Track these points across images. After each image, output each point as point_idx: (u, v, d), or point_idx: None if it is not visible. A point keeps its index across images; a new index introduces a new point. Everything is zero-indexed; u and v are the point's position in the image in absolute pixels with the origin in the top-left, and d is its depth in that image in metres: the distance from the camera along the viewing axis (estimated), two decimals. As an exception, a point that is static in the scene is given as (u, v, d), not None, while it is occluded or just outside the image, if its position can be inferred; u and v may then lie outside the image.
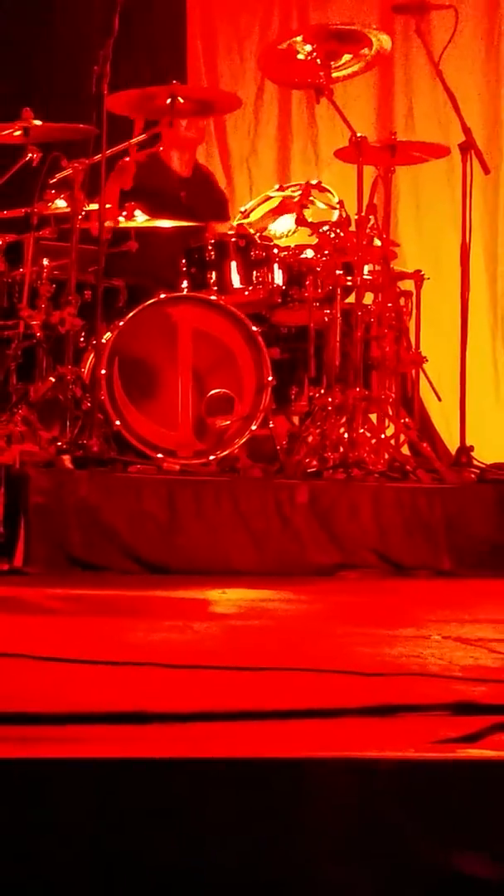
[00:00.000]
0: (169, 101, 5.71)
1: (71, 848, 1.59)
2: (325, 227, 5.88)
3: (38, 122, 5.65)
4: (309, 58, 5.90)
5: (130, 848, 1.58)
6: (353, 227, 5.85)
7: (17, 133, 5.68)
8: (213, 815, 1.58)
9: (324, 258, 5.83)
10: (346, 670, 2.50)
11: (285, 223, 6.03)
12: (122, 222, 5.74)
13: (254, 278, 5.79)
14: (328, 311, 5.82)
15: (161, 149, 6.28)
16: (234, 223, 6.14)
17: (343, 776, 1.59)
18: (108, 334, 5.39)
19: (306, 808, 1.58)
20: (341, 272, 5.83)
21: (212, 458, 5.42)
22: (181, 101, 5.73)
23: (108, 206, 5.50)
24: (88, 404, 5.36)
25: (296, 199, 5.99)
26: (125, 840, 1.59)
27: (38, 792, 1.59)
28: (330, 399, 5.68)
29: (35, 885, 1.57)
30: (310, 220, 5.95)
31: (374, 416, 5.80)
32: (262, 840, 1.60)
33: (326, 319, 5.83)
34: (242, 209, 6.20)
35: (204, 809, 1.60)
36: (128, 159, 5.84)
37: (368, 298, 5.94)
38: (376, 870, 1.58)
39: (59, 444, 5.24)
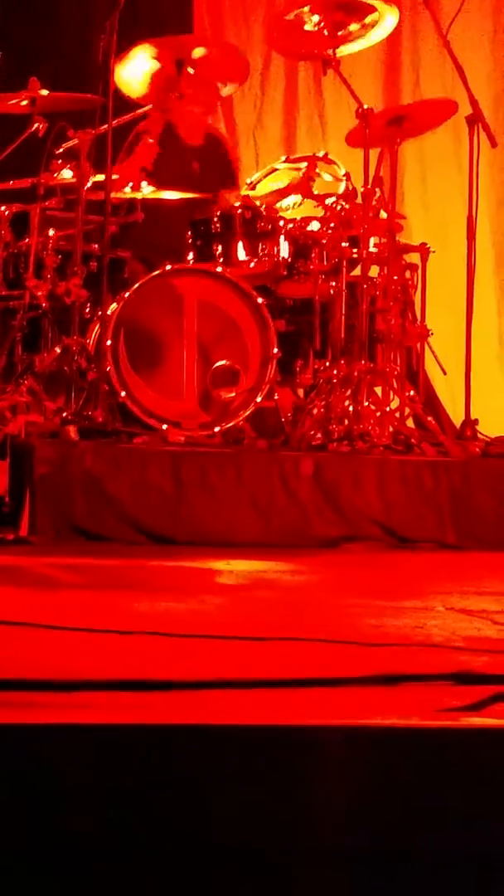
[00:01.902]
0: (177, 65, 5.70)
1: (77, 813, 1.60)
2: (331, 200, 5.86)
3: (44, 92, 5.63)
4: (316, 28, 5.88)
5: (136, 814, 1.59)
6: (359, 200, 5.83)
7: (24, 103, 5.66)
8: (217, 781, 1.60)
9: (329, 231, 5.82)
10: (350, 641, 2.52)
11: (291, 196, 6.02)
12: (129, 193, 5.73)
13: (259, 250, 5.78)
14: (334, 284, 5.82)
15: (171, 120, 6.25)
16: (241, 195, 6.12)
17: (347, 744, 1.60)
18: (114, 305, 5.39)
19: (311, 775, 1.59)
20: (347, 245, 5.82)
21: (217, 429, 5.43)
22: (190, 70, 5.72)
23: (116, 177, 5.49)
24: (94, 375, 5.36)
25: (301, 176, 5.96)
26: (130, 806, 1.60)
27: (45, 758, 1.60)
28: (335, 372, 5.68)
29: (39, 851, 1.59)
30: (316, 192, 5.94)
31: (378, 389, 5.79)
32: (267, 807, 1.61)
33: (332, 292, 5.82)
34: (249, 181, 6.18)
35: (209, 776, 1.61)
36: (151, 141, 5.83)
37: (374, 271, 5.93)
38: (380, 837, 1.59)
39: (65, 414, 5.24)
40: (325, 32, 5.88)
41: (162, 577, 4.05)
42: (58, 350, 5.46)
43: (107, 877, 1.60)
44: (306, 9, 5.91)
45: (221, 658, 2.37)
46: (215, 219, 5.79)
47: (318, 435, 5.53)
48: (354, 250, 5.82)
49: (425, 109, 6.19)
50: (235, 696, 1.92)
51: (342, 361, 5.71)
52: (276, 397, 5.65)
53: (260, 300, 5.56)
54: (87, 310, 5.60)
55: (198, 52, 5.96)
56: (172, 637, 2.53)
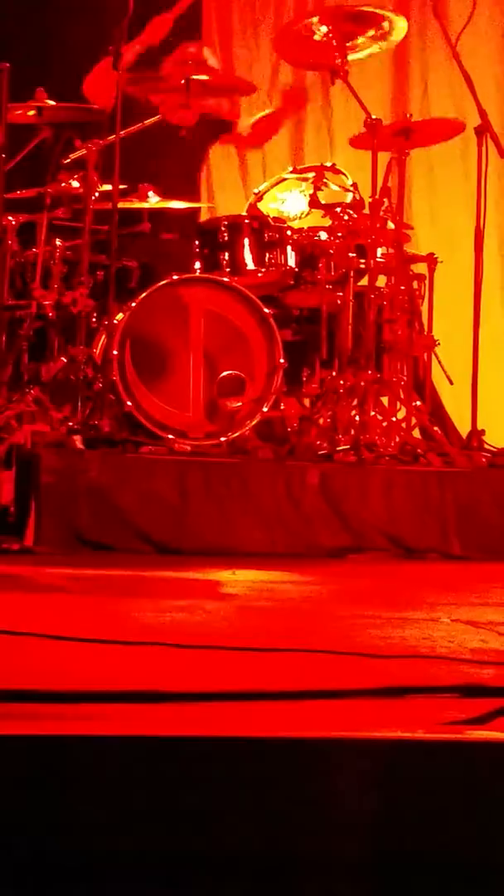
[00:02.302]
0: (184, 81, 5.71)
1: (82, 825, 1.60)
2: (339, 208, 5.86)
3: (51, 103, 5.64)
4: (325, 39, 5.89)
5: (142, 826, 1.59)
6: (366, 210, 5.84)
7: (31, 113, 5.67)
8: (223, 793, 1.59)
9: (337, 240, 5.83)
10: (355, 652, 2.51)
11: (298, 205, 6.02)
12: (135, 203, 5.74)
13: (266, 260, 5.79)
14: (341, 294, 5.82)
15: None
16: (247, 204, 6.13)
17: (353, 756, 1.59)
18: (121, 315, 5.39)
19: (315, 787, 1.59)
20: (354, 255, 5.82)
21: (223, 439, 5.42)
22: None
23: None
24: (100, 385, 5.36)
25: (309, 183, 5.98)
26: (136, 818, 1.60)
27: (48, 770, 1.60)
28: (342, 382, 5.68)
29: (42, 863, 1.58)
30: (323, 202, 5.94)
31: (385, 399, 5.79)
32: (271, 820, 1.60)
33: (339, 302, 5.82)
34: (256, 191, 6.18)
35: (214, 788, 1.61)
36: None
37: (381, 281, 5.93)
38: (386, 848, 1.59)
39: (71, 424, 5.24)
40: (334, 42, 5.89)
41: (167, 588, 4.05)
42: (64, 360, 5.47)
43: (112, 888, 1.59)
44: (315, 19, 5.92)
45: (227, 669, 2.37)
46: (223, 228, 5.79)
47: (325, 445, 5.53)
48: (362, 260, 5.82)
49: (433, 125, 6.20)
50: (241, 708, 1.92)
51: (349, 371, 5.71)
52: (282, 407, 5.65)
53: (266, 310, 5.56)
54: (94, 319, 5.61)
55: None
56: (178, 648, 2.52)
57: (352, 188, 5.98)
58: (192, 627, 3.00)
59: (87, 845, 1.59)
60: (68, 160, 5.66)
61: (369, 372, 5.68)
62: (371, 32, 5.92)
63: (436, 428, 5.91)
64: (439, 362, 6.04)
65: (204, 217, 6.43)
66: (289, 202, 6.06)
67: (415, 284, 6.02)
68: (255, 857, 1.60)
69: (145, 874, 1.59)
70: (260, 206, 6.01)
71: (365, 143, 5.87)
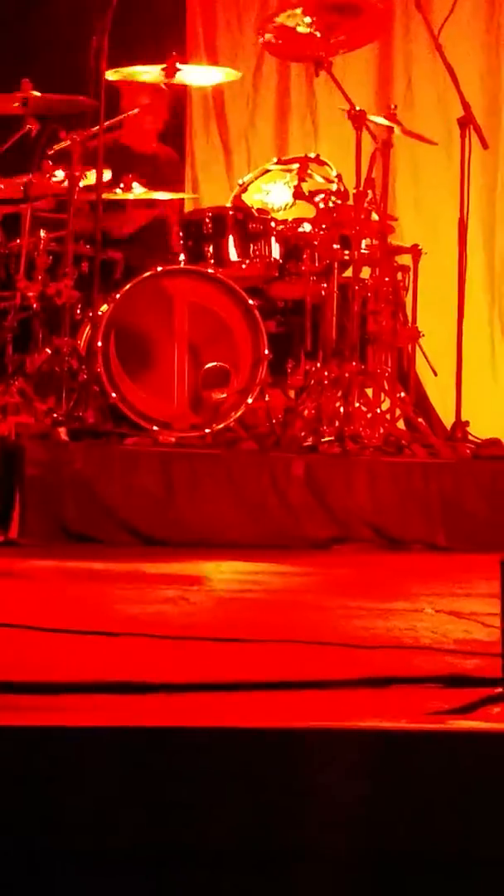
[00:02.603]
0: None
1: (66, 816, 1.60)
2: (321, 196, 5.86)
3: (37, 94, 5.62)
4: (308, 30, 5.89)
5: (126, 816, 1.59)
6: (350, 201, 5.84)
7: (16, 104, 5.65)
8: (207, 783, 1.60)
9: (321, 232, 5.82)
10: (340, 643, 2.52)
11: (283, 196, 6.02)
12: (120, 195, 5.73)
13: (251, 252, 5.79)
14: (325, 285, 5.81)
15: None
16: (232, 195, 6.12)
17: (337, 746, 1.60)
18: (105, 307, 5.39)
19: (300, 777, 1.59)
20: (339, 246, 5.82)
21: (207, 431, 5.42)
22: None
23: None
24: (84, 376, 5.36)
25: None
26: (120, 809, 1.60)
27: (32, 760, 1.60)
28: (326, 373, 5.68)
29: (29, 853, 1.59)
30: (308, 193, 5.94)
31: (370, 391, 5.80)
32: (256, 810, 1.61)
33: (323, 293, 5.82)
34: (240, 182, 6.17)
35: (198, 778, 1.61)
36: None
37: (366, 273, 5.93)
38: (368, 838, 1.59)
39: (55, 416, 5.24)
40: (318, 34, 5.88)
41: (153, 579, 4.05)
42: (48, 351, 5.46)
43: (98, 881, 1.60)
44: (299, 10, 5.92)
45: (212, 660, 2.37)
46: (207, 219, 5.79)
47: (309, 436, 5.53)
48: (346, 252, 5.82)
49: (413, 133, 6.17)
50: (226, 699, 1.92)
51: (333, 363, 5.71)
52: (266, 399, 5.65)
53: (251, 301, 5.55)
54: (78, 311, 5.60)
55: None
56: (163, 639, 2.53)
57: (336, 179, 5.98)
58: (178, 619, 3.00)
59: (73, 837, 1.59)
60: (52, 151, 5.65)
61: (354, 363, 5.68)
62: (355, 24, 5.91)
63: (420, 419, 5.91)
64: (423, 354, 6.04)
65: (188, 208, 6.42)
66: (273, 193, 6.05)
67: (399, 276, 6.01)
68: (241, 847, 1.60)
69: (132, 866, 1.60)
70: (244, 197, 6.00)
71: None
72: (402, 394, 5.91)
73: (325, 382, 5.65)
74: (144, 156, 6.30)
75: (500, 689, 1.87)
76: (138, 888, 1.59)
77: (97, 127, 5.48)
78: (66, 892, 1.59)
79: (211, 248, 5.76)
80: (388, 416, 5.78)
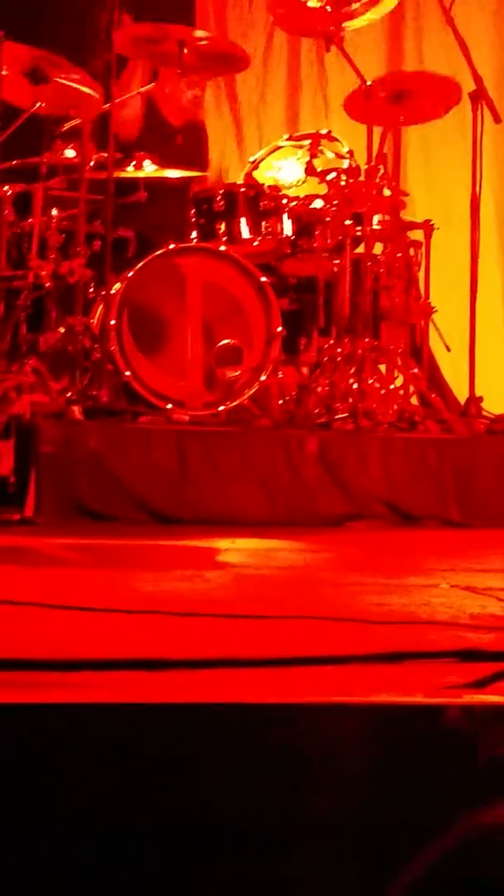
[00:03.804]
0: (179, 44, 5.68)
1: (81, 792, 1.60)
2: (332, 175, 5.84)
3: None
4: (319, 4, 5.86)
5: (140, 792, 1.60)
6: (362, 177, 5.82)
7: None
8: (222, 759, 1.60)
9: (333, 208, 5.81)
10: (355, 618, 2.52)
11: (294, 173, 6.00)
12: (131, 172, 5.72)
13: (263, 229, 5.78)
14: (337, 262, 5.81)
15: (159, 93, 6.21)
16: (243, 172, 6.11)
17: (353, 721, 1.60)
18: (118, 285, 5.39)
19: (316, 752, 1.60)
20: (351, 222, 5.81)
21: (221, 408, 5.42)
22: (187, 51, 5.69)
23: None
24: (98, 355, 5.36)
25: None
26: (134, 785, 1.61)
27: (50, 737, 1.60)
28: (339, 350, 5.68)
29: (42, 831, 1.59)
30: (319, 169, 5.92)
31: (383, 367, 5.79)
32: (272, 786, 1.61)
33: (336, 270, 5.82)
34: (251, 159, 6.16)
35: (213, 754, 1.62)
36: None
37: (378, 249, 5.92)
38: (384, 812, 1.60)
39: (69, 394, 5.24)
40: (328, 8, 5.86)
41: (167, 556, 4.06)
42: (62, 330, 5.46)
43: (108, 856, 1.60)
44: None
45: (226, 637, 2.38)
46: (218, 197, 5.78)
47: (323, 413, 5.53)
48: (358, 228, 5.81)
49: (428, 87, 6.12)
50: (241, 675, 1.93)
51: (346, 339, 5.70)
52: (280, 376, 5.65)
53: (263, 278, 5.55)
54: (91, 289, 5.60)
55: (200, 34, 5.93)
56: (177, 616, 2.54)
57: (347, 155, 5.96)
58: (192, 596, 3.01)
59: (85, 811, 1.60)
60: (64, 129, 5.64)
61: (367, 340, 5.68)
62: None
63: (434, 395, 5.91)
64: (437, 329, 6.03)
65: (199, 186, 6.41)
66: (285, 170, 6.04)
67: (411, 251, 6.00)
68: (253, 823, 1.61)
69: (144, 842, 1.60)
70: (256, 174, 5.99)
71: (358, 110, 5.84)
72: (416, 370, 5.90)
73: (339, 359, 5.65)
74: (173, 126, 6.26)
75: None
76: (146, 865, 1.60)
77: (108, 104, 5.46)
78: (76, 868, 1.59)
79: (223, 226, 5.75)
80: (401, 393, 5.78)
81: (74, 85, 5.51)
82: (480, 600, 2.91)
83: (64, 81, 5.51)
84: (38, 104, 5.57)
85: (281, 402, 5.63)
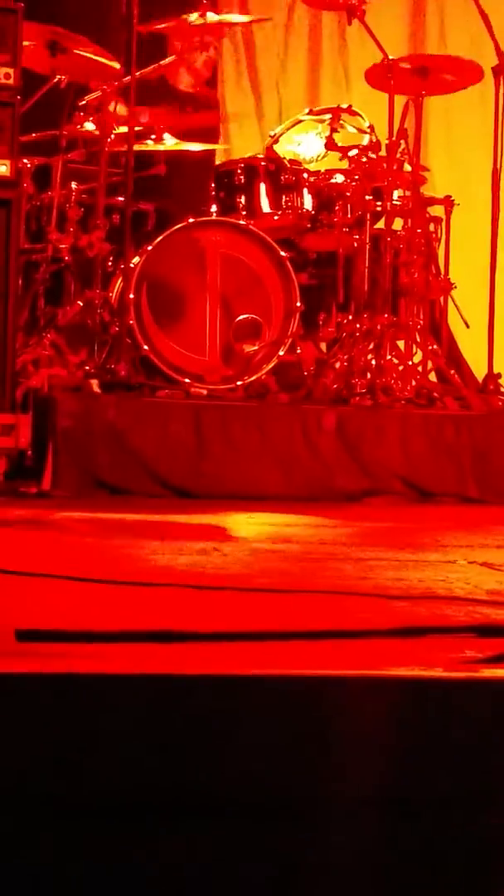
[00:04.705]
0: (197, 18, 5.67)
1: (108, 763, 1.61)
2: (355, 151, 5.83)
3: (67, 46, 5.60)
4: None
5: (166, 764, 1.60)
6: (383, 152, 5.80)
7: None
8: (243, 731, 1.60)
9: (353, 183, 5.80)
10: (373, 593, 2.52)
11: (315, 147, 5.99)
12: (151, 145, 5.71)
13: (283, 203, 5.76)
14: (357, 237, 5.80)
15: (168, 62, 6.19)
16: (264, 146, 6.10)
17: (372, 693, 1.61)
18: (137, 258, 5.38)
19: (337, 724, 1.60)
20: (371, 197, 5.79)
21: (239, 383, 5.43)
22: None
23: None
24: (116, 329, 5.36)
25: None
26: (159, 757, 1.61)
27: (68, 706, 1.61)
28: (358, 325, 5.67)
29: (69, 801, 1.60)
30: (340, 144, 5.90)
31: (401, 343, 5.78)
32: (290, 760, 1.62)
33: (355, 245, 5.80)
34: (272, 133, 6.15)
35: (233, 726, 1.62)
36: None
37: (398, 224, 5.91)
38: (404, 785, 1.60)
39: (87, 368, 5.25)
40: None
41: (183, 530, 4.06)
42: (80, 303, 5.46)
43: (136, 828, 1.61)
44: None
45: (244, 610, 2.38)
46: (239, 171, 5.76)
47: (341, 389, 5.53)
48: (378, 203, 5.79)
49: (450, 67, 6.10)
50: (259, 648, 1.93)
51: (365, 315, 5.70)
52: (298, 351, 5.64)
53: (283, 253, 5.54)
54: (110, 263, 5.59)
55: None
56: (195, 589, 2.54)
57: (368, 130, 5.94)
58: (209, 569, 3.01)
59: (103, 783, 1.60)
60: (83, 102, 5.62)
61: (386, 315, 5.67)
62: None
63: (452, 371, 5.90)
64: (455, 305, 6.02)
65: (220, 160, 6.40)
66: (305, 144, 6.03)
67: (431, 227, 5.99)
68: (270, 794, 1.61)
69: (162, 813, 1.61)
70: (276, 148, 5.98)
71: (380, 81, 5.82)
72: (434, 346, 5.90)
73: (357, 335, 5.64)
74: (187, 94, 6.25)
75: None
76: (166, 837, 1.60)
77: (128, 77, 5.45)
78: (100, 839, 1.60)
79: (243, 200, 5.74)
80: (419, 369, 5.77)
81: (93, 56, 5.50)
82: (498, 576, 2.91)
83: (83, 53, 5.50)
84: (57, 77, 5.56)
85: (299, 377, 5.62)
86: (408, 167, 5.86)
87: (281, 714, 1.62)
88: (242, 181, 5.75)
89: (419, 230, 5.86)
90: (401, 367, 5.65)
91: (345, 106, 6.09)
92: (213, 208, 5.75)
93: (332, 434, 5.24)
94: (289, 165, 5.79)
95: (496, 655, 1.76)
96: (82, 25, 6.12)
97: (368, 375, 5.56)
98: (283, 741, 1.62)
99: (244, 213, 5.70)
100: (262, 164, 5.79)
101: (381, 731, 1.59)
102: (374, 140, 5.89)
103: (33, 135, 5.69)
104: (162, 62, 5.98)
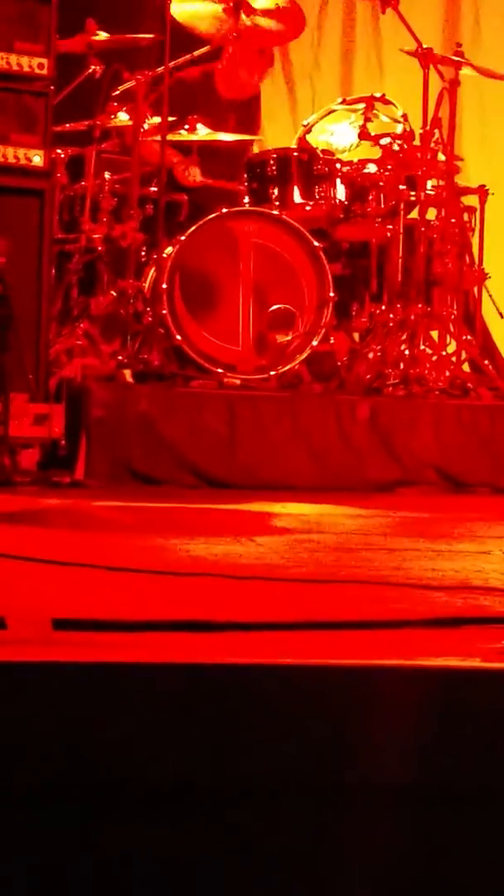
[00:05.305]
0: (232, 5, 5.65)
1: (132, 750, 1.61)
2: (387, 140, 5.80)
3: (102, 34, 5.60)
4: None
5: (200, 752, 1.60)
6: (417, 142, 5.78)
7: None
8: (279, 719, 1.60)
9: (387, 173, 5.78)
10: (408, 584, 2.52)
11: (348, 137, 5.96)
12: (184, 136, 5.71)
13: (316, 193, 5.75)
14: (390, 227, 5.78)
15: (218, 67, 6.17)
16: (297, 136, 6.08)
17: (411, 683, 1.60)
18: (170, 248, 5.38)
19: (375, 714, 1.59)
20: (404, 187, 5.77)
21: (272, 373, 5.41)
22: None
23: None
24: (149, 319, 5.36)
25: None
26: (192, 744, 1.61)
27: (106, 694, 1.61)
28: (391, 315, 5.65)
29: (97, 788, 1.60)
30: (373, 133, 5.88)
31: (435, 333, 5.76)
32: (326, 748, 1.61)
33: (389, 235, 5.78)
34: (305, 123, 6.13)
35: (266, 716, 1.62)
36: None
37: (431, 214, 5.88)
38: (443, 774, 1.59)
39: (120, 358, 5.25)
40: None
41: (217, 520, 4.06)
42: (114, 293, 5.46)
43: (165, 814, 1.61)
44: None
45: (279, 600, 2.37)
46: (271, 161, 5.75)
47: (374, 379, 5.51)
48: (412, 193, 5.77)
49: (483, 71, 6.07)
50: (293, 637, 1.92)
51: (398, 305, 5.68)
52: (331, 341, 5.63)
53: (316, 243, 5.52)
54: (143, 253, 5.59)
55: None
56: (230, 579, 2.53)
57: (402, 119, 5.92)
58: (244, 559, 3.00)
59: (135, 770, 1.60)
60: (117, 92, 5.62)
61: (419, 306, 5.65)
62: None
63: (486, 362, 5.87)
64: (490, 295, 5.99)
65: (253, 150, 6.38)
66: (338, 134, 6.01)
67: (465, 217, 5.96)
68: (307, 783, 1.61)
69: (197, 800, 1.61)
70: (309, 138, 5.96)
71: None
72: (468, 336, 5.87)
73: (391, 325, 5.63)
74: (229, 102, 6.23)
75: None
76: (198, 823, 1.60)
77: (163, 67, 5.44)
78: (131, 826, 1.60)
79: (276, 190, 5.73)
80: (453, 359, 5.75)
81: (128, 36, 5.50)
82: (534, 567, 2.89)
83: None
84: (92, 68, 5.57)
85: (332, 367, 5.61)
86: (441, 156, 5.84)
87: (317, 704, 1.61)
88: (275, 172, 5.74)
89: (453, 220, 5.84)
90: (434, 358, 5.63)
91: (378, 95, 6.07)
92: (246, 199, 5.74)
93: (366, 424, 5.23)
94: (322, 155, 5.77)
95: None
96: (119, 13, 6.12)
97: (402, 366, 5.54)
98: (320, 731, 1.61)
99: (277, 203, 5.69)
100: (295, 154, 5.78)
101: (419, 721, 1.59)
102: (408, 129, 5.86)
103: (67, 125, 5.69)
104: (195, 53, 5.95)
